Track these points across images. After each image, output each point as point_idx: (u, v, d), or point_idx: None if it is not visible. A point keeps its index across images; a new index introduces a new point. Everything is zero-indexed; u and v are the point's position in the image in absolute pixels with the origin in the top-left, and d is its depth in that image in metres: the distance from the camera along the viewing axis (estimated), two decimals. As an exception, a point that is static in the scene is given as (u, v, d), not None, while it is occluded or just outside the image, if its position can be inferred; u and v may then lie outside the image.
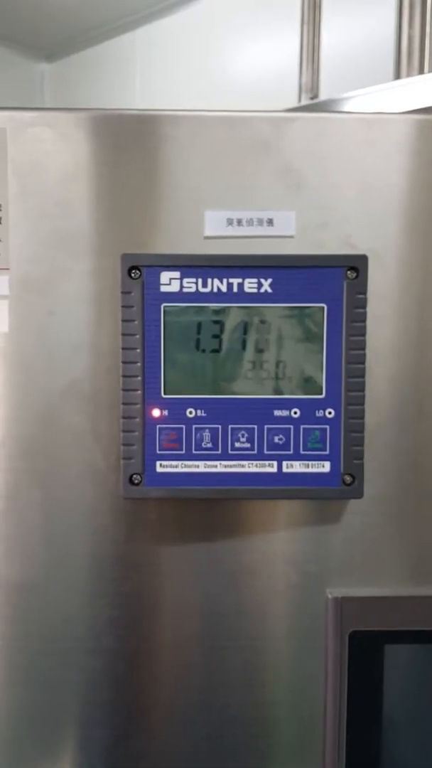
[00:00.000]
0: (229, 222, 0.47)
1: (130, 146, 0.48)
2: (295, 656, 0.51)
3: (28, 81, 2.28)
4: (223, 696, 0.51)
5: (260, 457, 0.47)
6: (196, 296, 0.46)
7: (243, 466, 0.47)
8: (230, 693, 0.51)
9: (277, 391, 0.47)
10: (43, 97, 2.40)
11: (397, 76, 1.10)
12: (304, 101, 1.16)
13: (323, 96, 1.23)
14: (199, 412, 0.47)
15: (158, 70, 1.99)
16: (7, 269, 0.48)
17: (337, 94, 1.10)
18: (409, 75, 1.07)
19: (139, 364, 0.46)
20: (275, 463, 0.47)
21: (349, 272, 0.46)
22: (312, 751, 0.51)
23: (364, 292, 0.46)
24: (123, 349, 0.47)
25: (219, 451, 0.47)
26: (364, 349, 0.47)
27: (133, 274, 0.46)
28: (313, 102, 1.13)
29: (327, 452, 0.47)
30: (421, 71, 1.07)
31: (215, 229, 0.47)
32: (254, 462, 0.47)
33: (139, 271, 0.46)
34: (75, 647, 0.51)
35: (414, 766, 0.50)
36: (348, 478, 0.47)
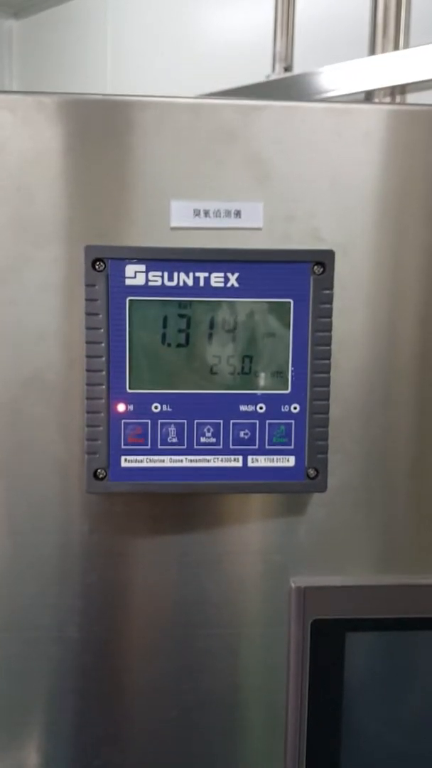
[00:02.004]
0: (196, 213, 0.47)
1: (94, 132, 0.46)
2: (260, 643, 0.52)
3: (-5, 39, 2.20)
4: (189, 682, 0.52)
5: (226, 451, 0.47)
6: (162, 290, 0.45)
7: (208, 460, 0.47)
8: (196, 679, 0.52)
9: (243, 386, 0.47)
10: (11, 55, 2.32)
11: (373, 48, 1.08)
12: (278, 71, 1.14)
13: (297, 66, 1.20)
14: (164, 406, 0.47)
15: (130, 31, 1.93)
16: (-33, 259, 0.46)
17: (312, 64, 1.08)
18: (384, 48, 1.05)
19: (103, 359, 0.46)
20: (240, 457, 0.47)
21: (315, 267, 0.46)
22: (277, 735, 0.52)
23: (331, 288, 0.46)
24: (87, 342, 0.46)
25: (184, 446, 0.47)
26: (329, 344, 0.47)
27: (97, 267, 0.45)
28: (287, 75, 1.10)
29: (291, 447, 0.48)
30: (396, 44, 1.05)
31: (182, 219, 0.47)
32: (220, 457, 0.47)
33: (104, 263, 0.45)
34: (40, 636, 0.51)
35: (373, 752, 0.52)
36: (312, 472, 0.48)
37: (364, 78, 0.97)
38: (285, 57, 1.21)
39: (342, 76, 0.99)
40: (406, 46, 1.00)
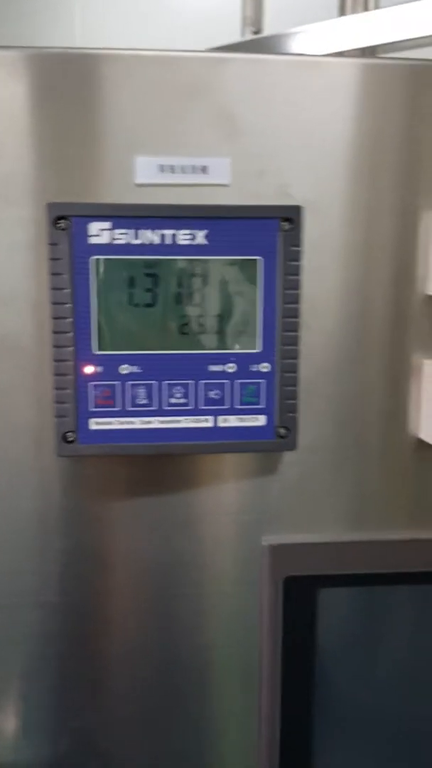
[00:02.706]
0: (162, 169, 0.46)
1: (59, 86, 0.45)
2: (235, 603, 0.53)
3: None
4: (165, 643, 0.52)
5: (196, 412, 0.47)
6: (128, 248, 0.45)
7: (179, 421, 0.47)
8: (172, 639, 0.52)
9: (213, 346, 0.46)
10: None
11: (343, 10, 1.06)
12: (247, 35, 1.12)
13: (267, 31, 1.18)
14: (133, 368, 0.46)
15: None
16: None
17: (281, 28, 1.06)
18: (354, 10, 1.04)
19: (69, 320, 0.45)
20: (211, 417, 0.47)
21: (283, 223, 0.45)
22: (251, 693, 0.53)
23: (299, 244, 0.46)
24: (53, 303, 0.45)
25: (155, 407, 0.47)
26: (298, 302, 0.46)
27: (59, 225, 0.44)
28: (257, 37, 1.09)
29: (262, 406, 0.47)
30: (366, 5, 1.04)
31: (147, 176, 0.46)
32: (190, 417, 0.47)
33: (67, 221, 0.44)
34: (17, 602, 0.51)
35: (346, 708, 0.53)
36: (282, 431, 0.48)
37: (333, 40, 0.95)
38: (255, 21, 1.19)
39: (311, 38, 0.98)
40: (376, 7, 0.99)
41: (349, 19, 0.98)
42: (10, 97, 0.45)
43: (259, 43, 1.08)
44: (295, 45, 1.00)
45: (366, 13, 0.98)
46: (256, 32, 1.12)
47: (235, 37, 1.20)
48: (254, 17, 1.16)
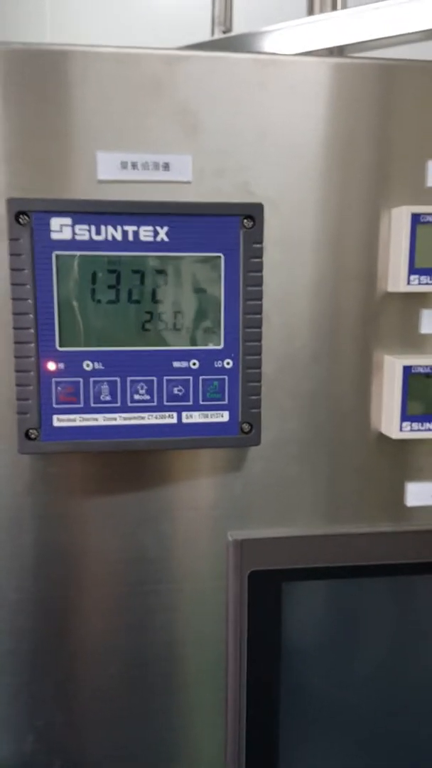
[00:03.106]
0: (124, 165, 0.46)
1: (18, 81, 0.45)
2: (200, 598, 0.53)
3: None
4: (134, 638, 0.53)
5: (160, 408, 0.47)
6: (90, 244, 0.45)
7: (143, 418, 0.47)
8: (137, 635, 0.53)
9: (176, 343, 0.47)
10: None
11: (311, 10, 1.07)
12: (217, 35, 1.12)
13: (236, 30, 1.18)
14: (96, 364, 0.46)
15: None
16: None
17: (251, 28, 1.06)
18: (322, 10, 1.05)
19: (31, 316, 0.45)
20: (175, 414, 0.47)
21: (245, 221, 0.45)
22: (218, 688, 0.53)
23: (260, 242, 0.46)
24: (13, 299, 0.45)
25: (118, 404, 0.47)
26: (260, 299, 0.47)
27: (21, 220, 0.44)
28: (226, 36, 1.09)
29: (225, 402, 0.48)
30: (334, 5, 1.05)
31: (109, 172, 0.46)
32: (154, 414, 0.47)
33: (28, 216, 0.44)
34: (-22, 600, 0.50)
35: (312, 701, 0.54)
36: (246, 427, 0.48)
37: (302, 39, 0.96)
38: (224, 20, 1.19)
39: (280, 37, 0.98)
40: (344, 6, 0.99)
41: (318, 18, 0.99)
42: (-30, 91, 0.44)
43: (228, 42, 1.08)
44: (265, 44, 1.01)
45: (334, 12, 0.98)
46: (226, 31, 1.12)
47: (205, 37, 1.20)
48: (223, 16, 1.16)
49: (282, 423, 0.51)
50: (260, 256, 0.46)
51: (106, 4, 1.76)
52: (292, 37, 0.97)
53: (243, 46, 1.04)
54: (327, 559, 0.52)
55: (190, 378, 0.47)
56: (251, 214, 0.45)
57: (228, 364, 0.47)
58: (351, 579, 0.51)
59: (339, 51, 0.95)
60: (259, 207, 0.46)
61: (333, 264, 0.50)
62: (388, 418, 0.50)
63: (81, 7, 1.80)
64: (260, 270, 0.46)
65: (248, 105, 0.47)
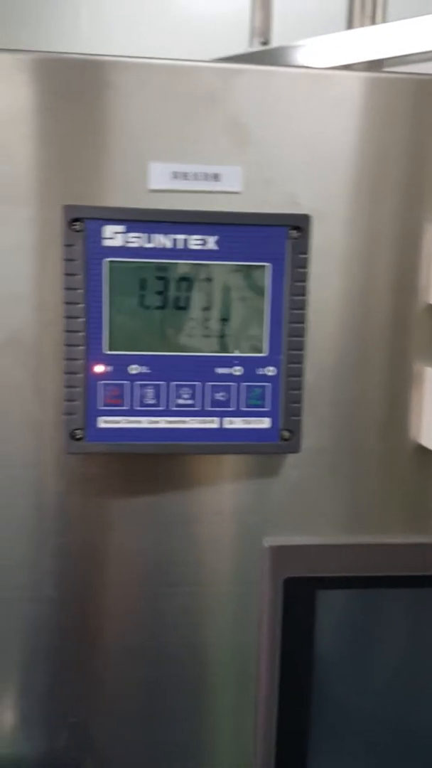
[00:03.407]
0: (175, 175, 0.47)
1: (73, 91, 0.46)
2: (231, 602, 0.53)
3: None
4: (162, 639, 0.53)
5: (202, 413, 0.48)
6: (141, 251, 0.46)
7: (185, 422, 0.48)
8: (169, 636, 0.53)
9: (220, 349, 0.48)
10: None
11: (350, 23, 1.08)
12: (255, 46, 1.13)
13: (275, 42, 1.20)
14: (142, 368, 0.47)
15: (106, 4, 1.89)
16: None
17: (289, 40, 1.07)
18: (362, 24, 1.05)
19: (81, 320, 0.46)
20: (217, 419, 0.48)
21: (292, 231, 0.46)
22: (247, 691, 0.54)
23: (306, 252, 0.47)
24: (65, 303, 0.46)
25: (162, 408, 0.48)
26: (305, 308, 0.47)
27: (75, 227, 0.45)
28: (265, 48, 1.10)
29: (267, 409, 0.48)
30: (373, 19, 1.06)
31: (160, 182, 0.47)
32: (196, 418, 0.48)
33: (82, 223, 0.45)
34: (16, 596, 0.51)
35: (344, 709, 0.54)
36: (286, 434, 0.49)
37: (341, 52, 0.97)
38: (263, 32, 1.20)
39: (319, 50, 0.99)
40: (384, 20, 1.00)
41: (357, 32, 0.99)
42: (25, 100, 0.46)
43: (267, 54, 1.09)
44: (303, 57, 1.02)
45: (373, 26, 0.99)
46: (264, 43, 1.13)
47: (242, 46, 1.21)
48: (263, 28, 1.18)
49: (320, 431, 0.52)
50: (306, 267, 0.47)
51: (142, 15, 1.78)
52: (331, 50, 0.98)
53: (281, 58, 1.05)
54: (363, 568, 0.52)
55: (233, 384, 0.48)
56: (298, 225, 0.46)
57: (271, 371, 0.48)
58: (387, 589, 0.52)
59: (378, 65, 0.95)
60: (306, 218, 0.47)
61: (375, 275, 0.50)
62: (428, 430, 0.50)
63: (117, 19, 1.83)
64: (305, 280, 0.47)
65: (297, 118, 0.47)
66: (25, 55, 0.46)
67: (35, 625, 0.52)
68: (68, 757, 0.54)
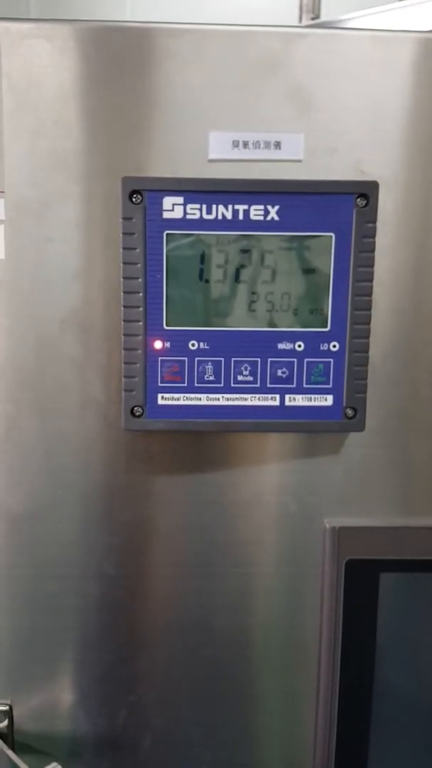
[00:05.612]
0: (235, 144, 0.45)
1: (130, 61, 0.45)
2: (289, 583, 0.52)
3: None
4: (220, 620, 0.53)
5: (263, 390, 0.47)
6: (200, 223, 0.45)
7: (245, 399, 0.47)
8: (226, 617, 0.53)
9: (282, 324, 0.46)
10: (28, 12, 2.26)
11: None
12: (305, 21, 1.11)
13: (324, 17, 1.17)
14: (201, 344, 0.46)
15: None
16: (2, 192, 0.46)
17: (338, 15, 1.05)
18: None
19: (140, 295, 0.45)
20: (278, 396, 0.47)
21: (358, 200, 0.45)
22: (303, 674, 0.53)
23: (374, 221, 0.45)
24: (124, 278, 0.45)
25: (221, 384, 0.47)
26: (371, 280, 0.46)
27: (134, 199, 0.44)
28: (315, 23, 1.08)
29: (330, 386, 0.47)
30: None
31: (220, 151, 0.45)
32: (257, 395, 0.47)
33: (141, 195, 0.44)
34: (75, 573, 0.51)
35: (404, 689, 0.52)
36: (350, 412, 0.47)
37: (391, 26, 0.94)
38: (312, 8, 1.18)
39: (369, 23, 0.97)
40: (437, -9, 0.96)
41: (403, 3, 0.97)
42: (84, 71, 0.45)
43: (317, 27, 1.06)
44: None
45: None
46: (314, 18, 1.11)
47: (293, 24, 1.19)
48: (312, 4, 1.15)
49: (384, 410, 0.50)
50: (373, 236, 0.45)
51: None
52: (380, 23, 0.95)
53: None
54: (426, 552, 0.50)
55: (295, 360, 0.47)
56: (365, 192, 0.44)
57: (334, 347, 0.47)
58: (454, 572, 0.50)
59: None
60: (374, 185, 0.45)
61: (443, 247, 0.48)
62: None
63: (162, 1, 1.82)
64: (372, 250, 0.45)
65: (363, 83, 0.46)
66: (83, 24, 0.45)
67: (96, 602, 0.52)
68: (127, 736, 0.54)
